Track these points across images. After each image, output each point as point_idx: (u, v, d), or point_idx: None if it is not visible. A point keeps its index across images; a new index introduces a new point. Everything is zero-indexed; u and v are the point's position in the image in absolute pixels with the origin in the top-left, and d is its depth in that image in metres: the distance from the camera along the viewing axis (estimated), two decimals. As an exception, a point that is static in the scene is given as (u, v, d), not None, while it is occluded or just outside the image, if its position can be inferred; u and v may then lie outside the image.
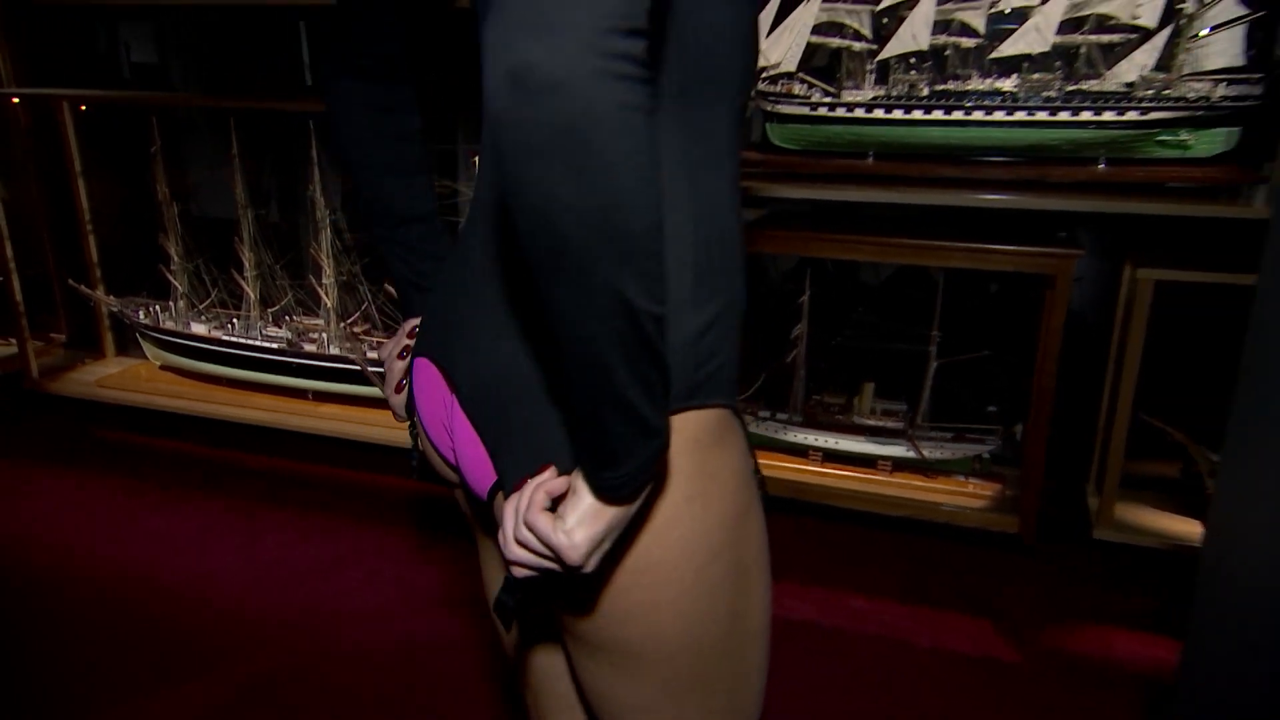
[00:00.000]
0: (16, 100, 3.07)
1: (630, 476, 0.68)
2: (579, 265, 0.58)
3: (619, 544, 0.75)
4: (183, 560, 2.39)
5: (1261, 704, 0.99)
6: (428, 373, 0.92)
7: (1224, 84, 2.02)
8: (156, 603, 2.21)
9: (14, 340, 3.14)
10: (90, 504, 2.68)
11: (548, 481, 0.72)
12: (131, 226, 3.20)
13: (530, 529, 0.69)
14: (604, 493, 0.68)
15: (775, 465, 2.54)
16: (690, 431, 0.79)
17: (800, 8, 2.24)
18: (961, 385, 2.56)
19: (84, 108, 3.00)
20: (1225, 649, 1.14)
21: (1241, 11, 1.96)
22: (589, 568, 0.70)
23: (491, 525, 0.86)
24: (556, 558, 0.68)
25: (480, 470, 0.85)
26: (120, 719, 1.88)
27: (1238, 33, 1.97)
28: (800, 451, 2.54)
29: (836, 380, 2.66)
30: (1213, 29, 2.00)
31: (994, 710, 1.91)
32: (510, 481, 0.80)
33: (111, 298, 3.18)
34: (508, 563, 0.73)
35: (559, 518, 0.69)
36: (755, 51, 0.84)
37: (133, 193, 3.14)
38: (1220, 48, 2.00)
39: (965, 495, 2.43)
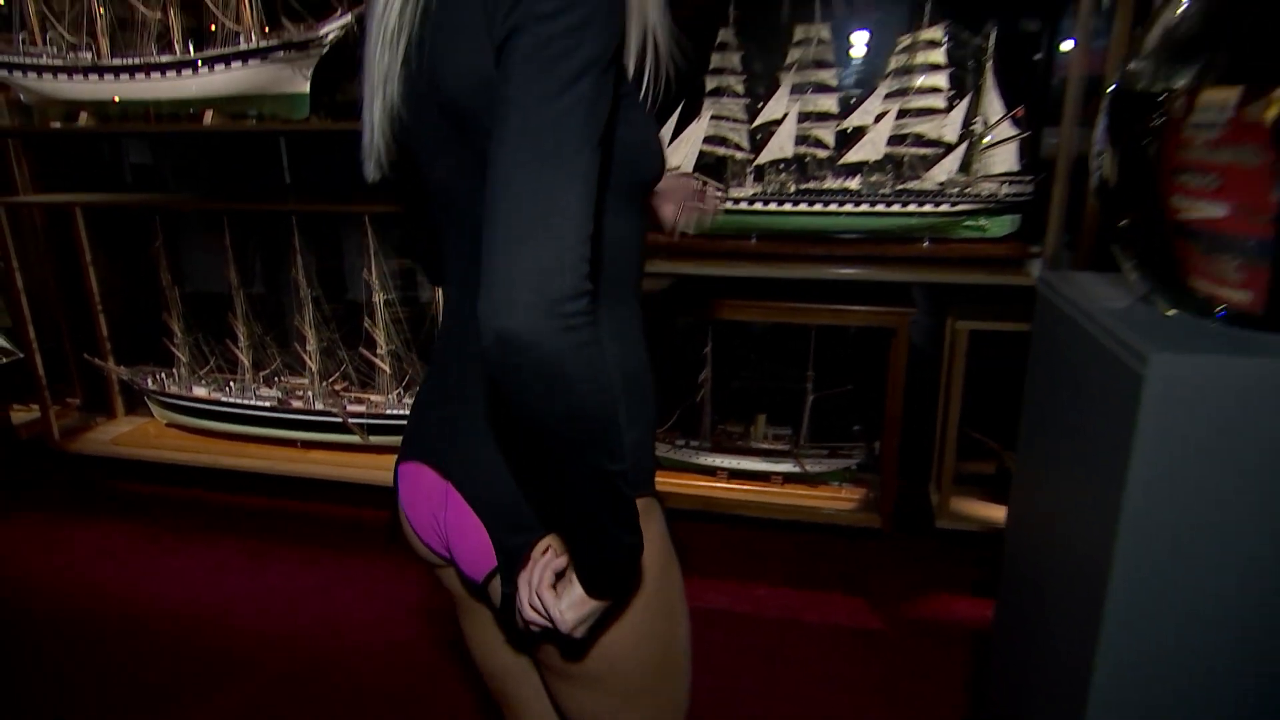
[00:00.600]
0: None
1: (612, 581, 0.77)
2: (561, 448, 0.68)
3: None
4: (198, 591, 2.37)
5: (1047, 640, 1.01)
6: (418, 474, 0.93)
7: (1007, 183, 2.21)
8: (178, 629, 2.19)
9: (37, 406, 3.10)
10: (112, 547, 2.64)
11: (551, 561, 0.78)
12: (137, 306, 3.15)
13: (539, 601, 0.76)
14: (592, 591, 0.75)
15: (690, 484, 2.60)
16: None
17: (693, 124, 2.37)
18: (832, 413, 2.63)
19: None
20: (1024, 602, 1.17)
21: (1014, 132, 2.17)
22: (579, 635, 0.77)
23: (482, 595, 0.90)
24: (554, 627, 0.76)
25: (474, 556, 0.89)
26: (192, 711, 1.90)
27: (1013, 147, 2.19)
28: (709, 471, 2.61)
29: (736, 413, 2.71)
30: (995, 144, 2.21)
31: (867, 666, 2.02)
32: (513, 566, 0.85)
33: (121, 368, 3.15)
34: (523, 620, 0.80)
35: (558, 598, 0.76)
36: (645, 250, 0.90)
37: (137, 276, 3.09)
38: (1002, 158, 2.20)
39: (839, 499, 2.52)
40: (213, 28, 2.46)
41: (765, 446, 2.62)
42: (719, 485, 2.59)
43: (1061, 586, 0.95)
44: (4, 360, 3.05)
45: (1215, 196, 0.73)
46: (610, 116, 0.72)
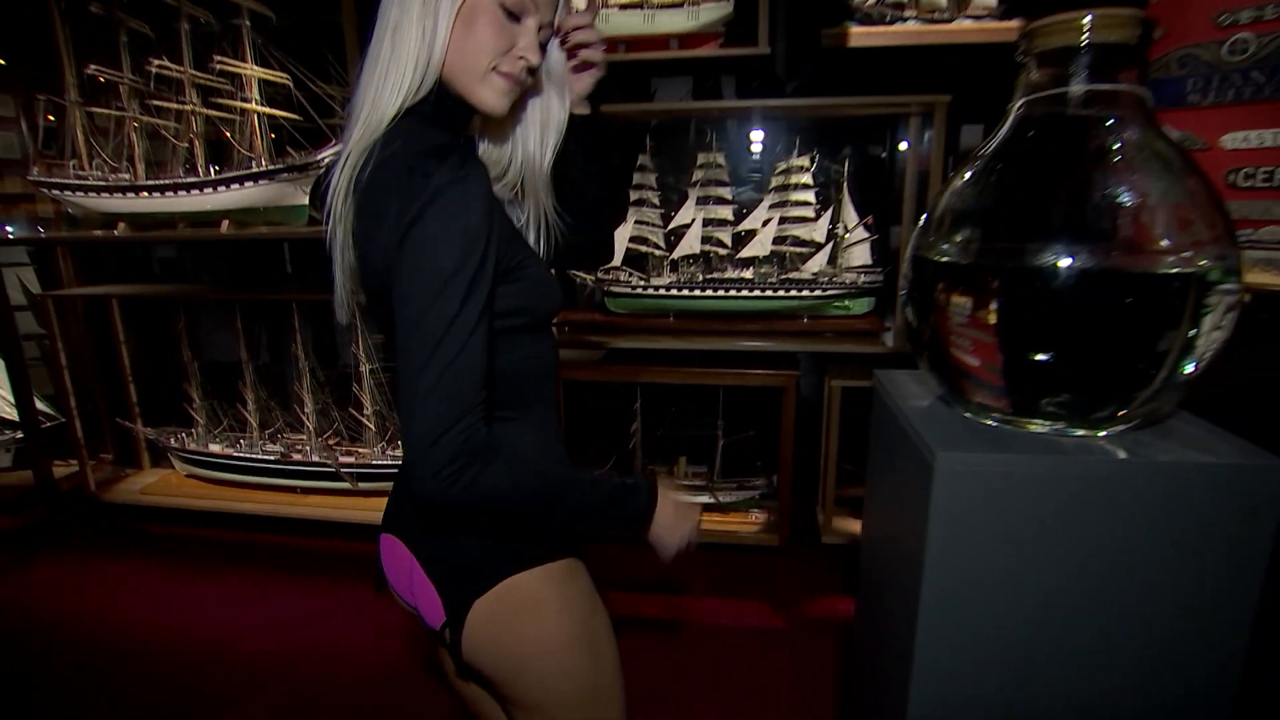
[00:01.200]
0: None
1: (649, 517, 0.87)
2: (538, 518, 0.79)
3: (530, 646, 0.88)
4: (212, 618, 2.39)
5: (886, 629, 1.06)
6: (392, 546, 0.95)
7: (863, 274, 2.38)
8: (193, 652, 2.21)
9: (76, 462, 3.10)
10: (137, 582, 2.65)
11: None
12: (161, 376, 3.16)
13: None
14: (645, 532, 0.87)
15: None
16: (555, 575, 0.92)
17: (620, 227, 2.49)
18: (739, 454, 2.74)
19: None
20: (872, 601, 1.22)
21: (867, 235, 2.38)
22: (696, 535, 0.92)
23: (440, 640, 0.93)
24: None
25: (431, 611, 0.92)
26: None
27: (867, 245, 2.39)
28: None
29: (662, 456, 2.80)
30: (854, 243, 2.41)
31: (773, 658, 2.10)
32: (459, 620, 0.89)
33: (148, 428, 3.16)
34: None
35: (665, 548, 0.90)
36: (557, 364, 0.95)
37: (162, 351, 3.11)
38: (859, 254, 2.39)
39: (748, 523, 2.61)
40: (231, 152, 2.57)
41: (686, 483, 2.72)
42: None
43: (894, 591, 1.03)
44: (48, 424, 3.04)
45: (973, 354, 0.88)
46: (508, 281, 0.78)
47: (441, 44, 0.81)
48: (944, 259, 0.93)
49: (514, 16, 0.82)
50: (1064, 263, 0.81)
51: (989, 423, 0.96)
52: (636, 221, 2.54)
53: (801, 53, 2.43)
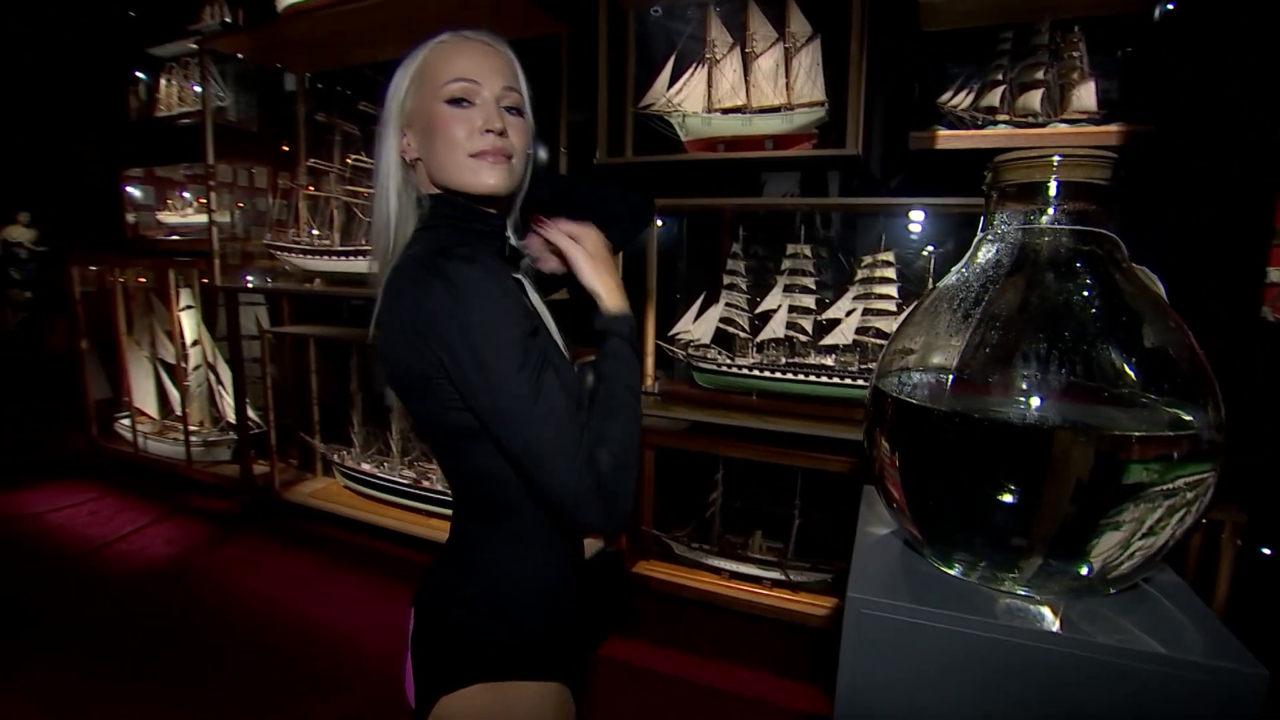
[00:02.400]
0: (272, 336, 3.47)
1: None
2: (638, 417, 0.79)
3: None
4: (337, 611, 2.55)
5: None
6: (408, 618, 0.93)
7: None
8: (316, 637, 2.38)
9: (268, 464, 3.46)
10: (292, 569, 2.89)
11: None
12: (337, 402, 3.43)
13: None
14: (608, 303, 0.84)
15: (699, 579, 2.60)
16: (528, 697, 0.85)
17: (711, 308, 2.53)
18: (815, 534, 2.60)
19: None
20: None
21: None
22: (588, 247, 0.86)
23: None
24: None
25: (410, 692, 0.91)
26: (310, 707, 2.04)
27: None
28: (716, 571, 2.62)
29: (738, 527, 2.72)
30: None
31: None
32: (422, 709, 0.85)
33: (322, 445, 3.45)
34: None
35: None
36: None
37: (338, 382, 3.39)
38: None
39: (816, 605, 2.45)
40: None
41: (760, 556, 2.61)
42: (722, 584, 2.60)
43: None
44: (255, 430, 3.51)
45: (884, 477, 0.84)
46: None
47: (402, 169, 0.84)
48: (883, 387, 0.86)
49: (464, 102, 0.82)
50: (961, 406, 0.72)
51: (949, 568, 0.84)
52: (726, 304, 2.55)
53: (894, 154, 2.34)
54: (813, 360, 2.42)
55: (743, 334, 2.53)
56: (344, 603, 2.67)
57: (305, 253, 3.06)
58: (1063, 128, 1.92)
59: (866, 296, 2.34)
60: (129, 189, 4.43)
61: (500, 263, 0.80)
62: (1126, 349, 0.73)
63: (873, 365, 2.25)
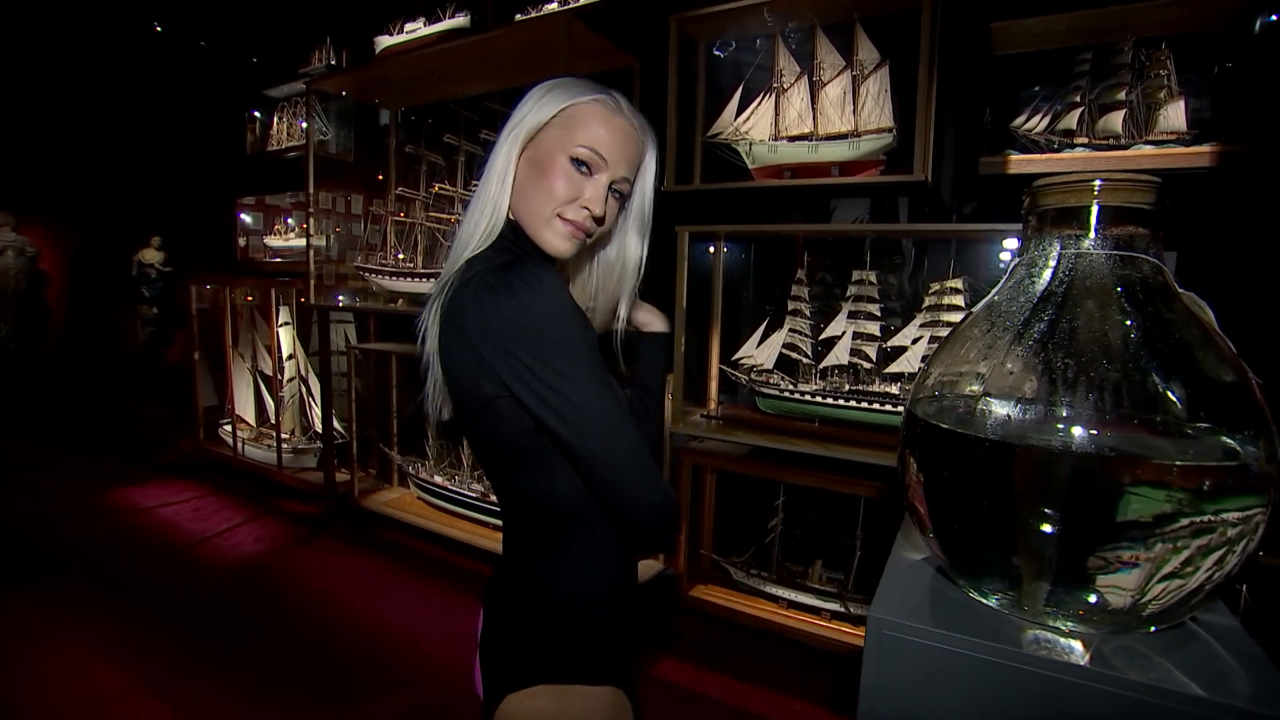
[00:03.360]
0: (359, 354, 3.66)
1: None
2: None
3: None
4: (403, 615, 2.62)
5: None
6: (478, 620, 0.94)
7: None
8: (382, 638, 2.46)
9: (348, 472, 3.66)
10: (365, 573, 3.00)
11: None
12: (414, 417, 3.62)
13: None
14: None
15: (757, 606, 2.61)
16: (587, 701, 0.85)
17: (775, 334, 2.54)
18: (878, 567, 2.55)
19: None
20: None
21: None
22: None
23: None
24: None
25: (480, 687, 0.92)
26: (373, 704, 2.10)
27: None
28: (774, 599, 2.62)
29: (798, 556, 2.69)
30: None
31: None
32: (489, 706, 0.87)
33: (399, 456, 3.61)
34: None
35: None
36: None
37: (418, 399, 3.65)
38: None
39: None
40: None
41: (819, 586, 2.59)
42: (780, 612, 2.60)
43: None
44: (339, 440, 3.73)
45: (914, 500, 0.82)
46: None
47: (506, 187, 0.84)
48: (917, 410, 0.87)
49: (584, 168, 0.83)
50: (986, 431, 0.72)
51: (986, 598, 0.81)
52: (790, 329, 2.56)
53: (965, 180, 2.29)
54: (877, 388, 2.41)
55: (806, 360, 2.53)
56: (412, 606, 2.77)
57: (391, 274, 3.27)
58: (1148, 149, 1.84)
59: (933, 324, 2.29)
60: (242, 215, 4.92)
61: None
62: (1166, 376, 0.71)
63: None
